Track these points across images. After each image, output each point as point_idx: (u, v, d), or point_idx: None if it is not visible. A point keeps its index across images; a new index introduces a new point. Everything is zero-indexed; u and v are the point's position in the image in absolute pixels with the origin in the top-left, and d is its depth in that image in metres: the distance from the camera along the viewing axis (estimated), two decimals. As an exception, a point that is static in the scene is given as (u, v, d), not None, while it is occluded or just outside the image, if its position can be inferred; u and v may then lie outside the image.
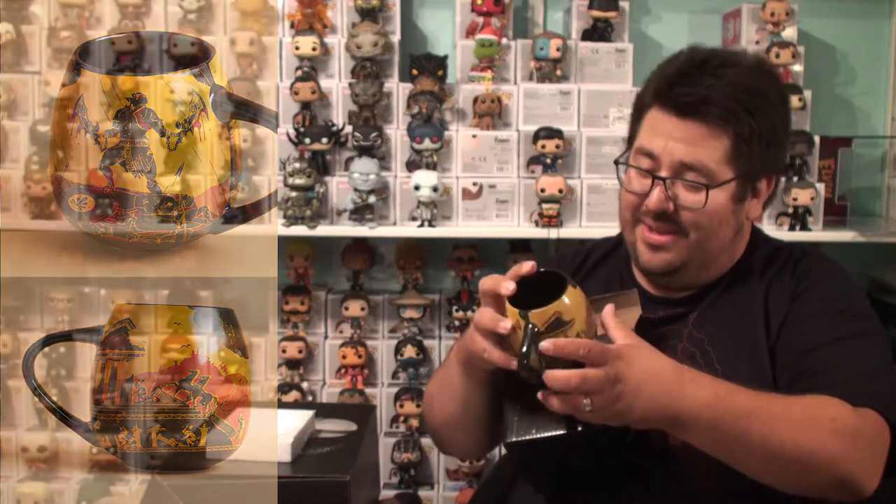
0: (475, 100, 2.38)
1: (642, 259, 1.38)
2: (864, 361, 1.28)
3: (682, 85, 1.31)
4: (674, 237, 1.34)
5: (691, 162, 1.30)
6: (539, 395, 1.16)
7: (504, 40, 2.43)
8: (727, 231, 1.35)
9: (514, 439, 1.24)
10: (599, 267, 1.52)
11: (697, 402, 1.15)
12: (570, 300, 1.16)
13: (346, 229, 2.33)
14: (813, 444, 1.17)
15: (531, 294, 1.18)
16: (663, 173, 1.32)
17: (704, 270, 1.39)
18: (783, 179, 2.36)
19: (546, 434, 1.22)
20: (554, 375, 1.13)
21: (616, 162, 1.42)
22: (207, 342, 2.47)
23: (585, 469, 1.31)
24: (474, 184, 2.37)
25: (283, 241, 2.50)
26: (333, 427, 1.57)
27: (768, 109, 1.32)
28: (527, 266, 1.22)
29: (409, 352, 2.43)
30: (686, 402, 1.15)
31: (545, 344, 1.14)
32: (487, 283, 1.23)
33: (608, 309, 1.21)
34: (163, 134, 2.33)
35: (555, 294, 1.16)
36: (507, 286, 1.19)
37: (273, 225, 2.35)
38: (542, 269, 1.22)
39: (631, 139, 1.41)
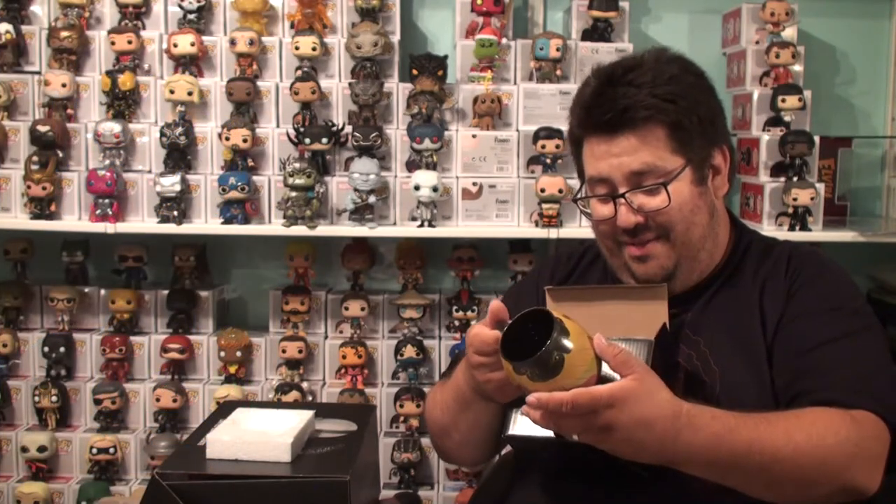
0: (475, 100, 2.38)
1: (637, 273, 1.38)
2: (861, 360, 1.28)
3: (599, 106, 1.34)
4: (656, 243, 1.36)
5: (640, 168, 1.32)
6: (523, 409, 1.15)
7: (504, 40, 2.43)
8: (702, 216, 1.36)
9: (511, 433, 1.25)
10: (595, 266, 1.52)
11: (693, 446, 1.15)
12: (560, 340, 1.11)
13: (346, 229, 2.33)
14: (814, 463, 1.17)
15: (522, 335, 1.15)
16: (621, 190, 1.34)
17: (697, 263, 1.39)
18: (785, 174, 2.36)
19: (541, 435, 1.22)
20: (533, 416, 1.14)
21: (574, 200, 1.46)
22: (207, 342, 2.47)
23: (583, 468, 1.31)
24: (474, 184, 2.37)
25: (283, 241, 2.50)
26: (333, 427, 1.57)
27: (685, 90, 1.34)
28: (497, 306, 1.25)
29: (409, 352, 2.43)
30: (679, 447, 1.15)
31: (530, 399, 1.12)
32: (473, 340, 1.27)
33: (598, 339, 1.16)
34: (163, 134, 2.34)
35: (546, 332, 1.11)
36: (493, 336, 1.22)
37: (274, 225, 2.36)
38: (524, 312, 1.17)
39: (581, 174, 1.43)
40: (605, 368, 1.15)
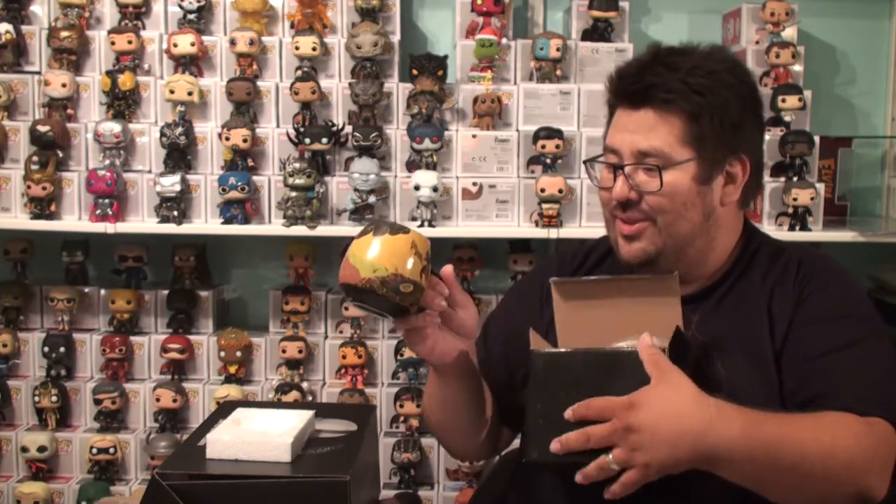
0: (475, 100, 2.38)
1: (621, 252, 1.39)
2: (872, 367, 1.28)
3: (629, 76, 1.36)
4: (643, 225, 1.36)
5: (647, 148, 1.33)
6: (577, 476, 1.17)
7: (504, 40, 2.44)
8: (695, 214, 1.35)
9: (536, 458, 1.23)
10: (599, 266, 1.52)
11: (729, 436, 1.15)
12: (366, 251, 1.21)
13: (346, 229, 2.33)
14: (841, 464, 1.17)
15: None
16: (624, 163, 1.35)
17: (683, 257, 1.38)
18: (785, 179, 2.36)
19: (564, 460, 1.20)
20: (564, 440, 1.16)
21: (585, 161, 1.49)
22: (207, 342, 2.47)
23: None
24: (474, 184, 2.37)
25: (283, 241, 2.50)
26: (333, 427, 1.57)
27: (718, 87, 1.33)
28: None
29: (410, 352, 2.43)
30: (715, 438, 1.14)
31: (567, 412, 1.17)
32: None
33: (644, 338, 1.21)
34: (163, 134, 2.34)
35: None
36: None
37: (274, 225, 2.36)
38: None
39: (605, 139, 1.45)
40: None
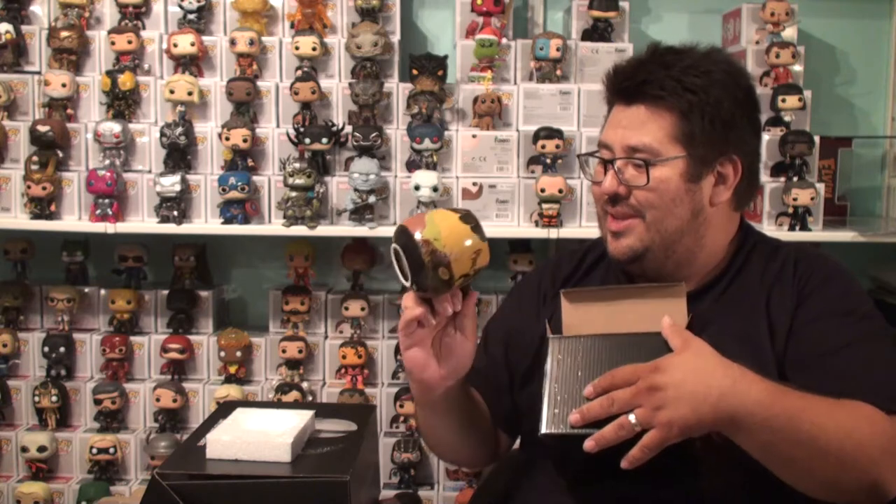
0: (475, 100, 2.38)
1: (609, 249, 1.40)
2: (882, 364, 1.28)
3: (624, 72, 1.38)
4: (632, 221, 1.36)
5: (636, 144, 1.34)
6: (586, 444, 1.17)
7: (504, 40, 2.44)
8: (682, 210, 1.35)
9: (548, 431, 1.24)
10: (596, 267, 1.52)
11: (751, 398, 1.15)
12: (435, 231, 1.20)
13: (346, 229, 2.33)
14: (855, 447, 1.17)
15: None
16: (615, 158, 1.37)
17: (672, 254, 1.38)
18: (784, 182, 2.36)
19: (580, 431, 1.21)
20: (585, 409, 1.18)
21: (579, 156, 1.48)
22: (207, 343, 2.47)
23: (612, 459, 1.29)
24: (474, 184, 2.37)
25: (283, 241, 2.50)
26: (333, 427, 1.57)
27: (710, 86, 1.33)
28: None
29: (409, 352, 2.43)
30: (738, 399, 1.15)
31: (588, 388, 1.19)
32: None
33: (666, 320, 1.25)
34: (163, 134, 2.34)
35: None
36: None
37: (274, 225, 2.36)
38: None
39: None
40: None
